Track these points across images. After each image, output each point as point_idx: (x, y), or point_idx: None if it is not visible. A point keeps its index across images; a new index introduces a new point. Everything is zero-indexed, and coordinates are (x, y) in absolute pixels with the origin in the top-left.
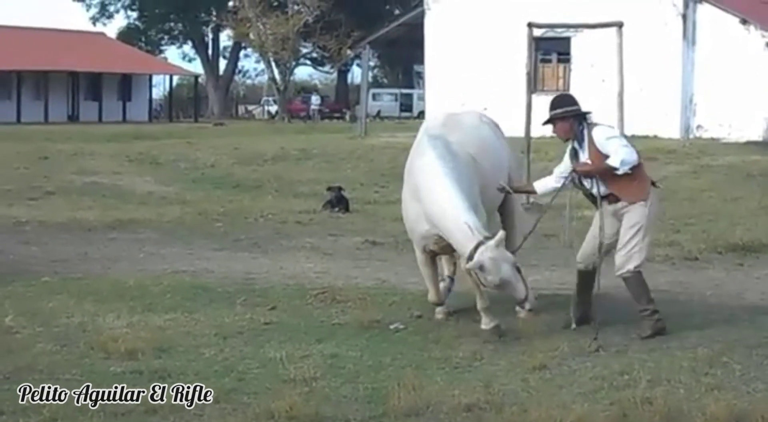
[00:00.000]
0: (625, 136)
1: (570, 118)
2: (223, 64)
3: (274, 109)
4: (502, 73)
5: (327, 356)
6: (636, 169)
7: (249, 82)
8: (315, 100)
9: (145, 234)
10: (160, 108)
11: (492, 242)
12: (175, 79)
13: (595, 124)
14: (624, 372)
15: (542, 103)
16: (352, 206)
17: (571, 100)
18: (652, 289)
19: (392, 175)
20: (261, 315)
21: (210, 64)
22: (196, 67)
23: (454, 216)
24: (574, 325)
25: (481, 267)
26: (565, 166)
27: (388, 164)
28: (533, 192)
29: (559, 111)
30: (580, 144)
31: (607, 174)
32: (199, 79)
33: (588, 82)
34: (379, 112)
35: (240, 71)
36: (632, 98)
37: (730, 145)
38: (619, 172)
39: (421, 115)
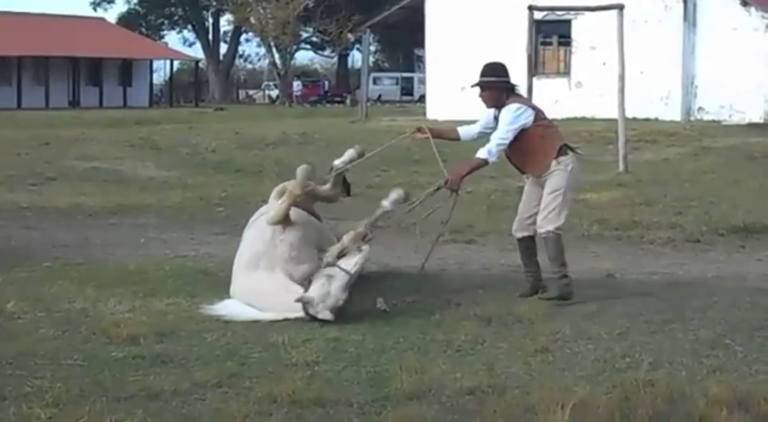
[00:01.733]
0: (523, 113)
1: (500, 88)
2: (223, 48)
3: (275, 93)
4: (503, 57)
5: (329, 340)
6: (538, 143)
7: (250, 66)
8: (296, 85)
9: (146, 219)
10: (161, 93)
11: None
12: (176, 64)
13: (516, 98)
14: (626, 354)
15: (543, 86)
16: (354, 190)
17: (504, 71)
18: (654, 271)
19: (393, 159)
20: None
21: (210, 48)
22: (197, 51)
23: None
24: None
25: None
26: (487, 119)
27: (389, 148)
28: (456, 138)
29: (492, 79)
30: (498, 114)
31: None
32: (200, 64)
33: (589, 64)
34: (379, 96)
35: (241, 56)
36: (633, 81)
37: (732, 127)
38: (490, 162)
39: (422, 98)
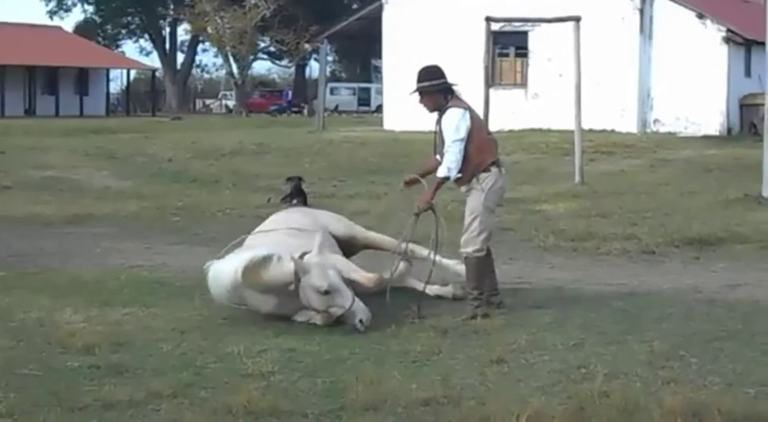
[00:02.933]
0: (466, 116)
1: (439, 91)
2: (180, 58)
3: (231, 103)
4: (460, 67)
5: (285, 350)
6: (469, 154)
7: (207, 76)
8: (229, 95)
9: (102, 228)
10: (118, 102)
11: (314, 251)
12: (133, 73)
13: (454, 102)
14: (581, 365)
15: (500, 98)
16: (311, 200)
17: (438, 73)
18: (610, 283)
19: (350, 169)
20: (219, 310)
21: (167, 58)
22: (154, 61)
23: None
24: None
25: (308, 274)
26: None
27: (346, 158)
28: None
29: (425, 84)
30: (440, 119)
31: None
32: (157, 73)
33: (546, 76)
34: (337, 106)
35: (198, 65)
36: (590, 92)
37: (687, 139)
38: (452, 178)
39: (379, 109)
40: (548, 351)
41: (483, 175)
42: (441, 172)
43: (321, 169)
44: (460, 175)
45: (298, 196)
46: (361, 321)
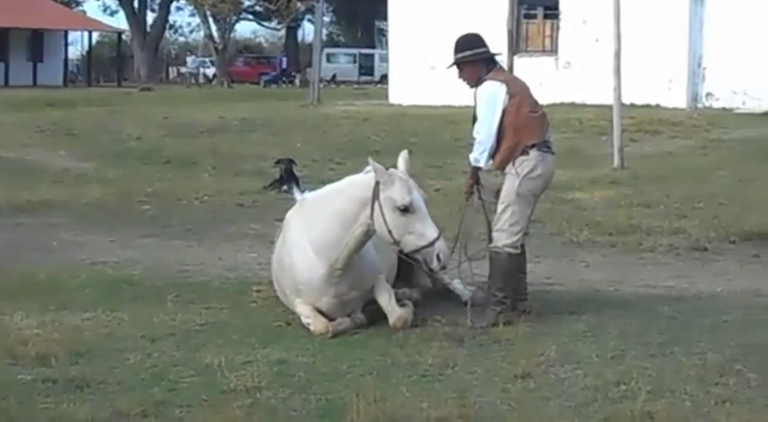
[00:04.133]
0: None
1: (479, 61)
2: (151, 18)
3: (211, 71)
4: (480, 31)
5: (273, 362)
6: (503, 133)
7: (182, 39)
8: (190, 61)
9: (59, 218)
10: (78, 70)
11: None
12: (95, 35)
13: (494, 73)
14: (621, 381)
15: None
16: (303, 185)
17: (480, 41)
18: (654, 285)
19: (350, 149)
20: (196, 315)
21: (136, 18)
22: (120, 21)
23: None
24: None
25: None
26: None
27: (345, 137)
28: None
29: (467, 53)
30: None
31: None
32: (123, 36)
33: (580, 41)
34: (334, 76)
35: (171, 27)
36: (631, 61)
37: (745, 116)
38: (483, 166)
39: (384, 79)
40: (582, 364)
41: (520, 159)
42: (471, 159)
43: (315, 150)
44: (491, 162)
45: (288, 181)
46: (438, 257)
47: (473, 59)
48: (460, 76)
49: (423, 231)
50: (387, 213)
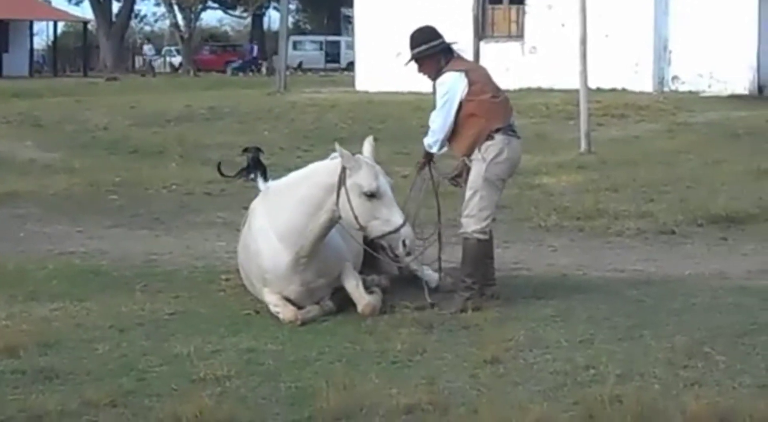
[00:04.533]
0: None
1: (436, 54)
2: (116, 7)
3: (177, 60)
4: (445, 17)
5: (242, 351)
6: (465, 121)
7: (147, 28)
8: (147, 49)
9: (26, 209)
10: (43, 60)
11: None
12: (60, 25)
13: (453, 64)
14: (590, 365)
15: (492, 52)
16: (271, 174)
17: (433, 34)
18: (622, 269)
19: (317, 137)
20: (164, 304)
21: (101, 7)
22: (85, 11)
23: None
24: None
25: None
26: None
27: (312, 125)
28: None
29: (422, 48)
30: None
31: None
32: (89, 26)
33: (545, 26)
34: (300, 63)
35: (137, 16)
36: (597, 45)
37: (711, 99)
38: (436, 152)
39: (350, 66)
40: (550, 349)
41: (486, 144)
42: (425, 144)
43: (283, 137)
44: (445, 149)
45: (256, 169)
46: (404, 243)
47: (430, 53)
48: (420, 70)
49: (389, 217)
50: (353, 198)
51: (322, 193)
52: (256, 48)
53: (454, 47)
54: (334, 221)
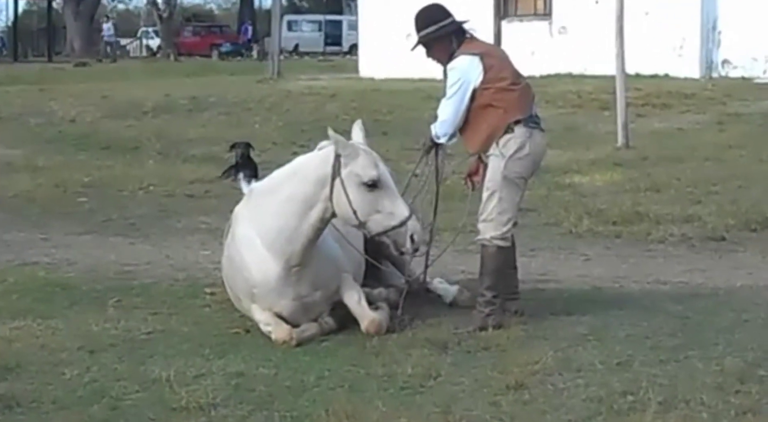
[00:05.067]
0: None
1: (447, 35)
2: None
3: (155, 43)
4: None
5: (230, 375)
6: (479, 112)
7: (121, 6)
8: (106, 29)
9: None
10: (2, 43)
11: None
12: (21, 4)
13: (466, 46)
14: (628, 391)
15: (516, 33)
16: (262, 172)
17: (440, 13)
18: (665, 280)
19: (315, 129)
20: (141, 322)
21: None
22: None
23: None
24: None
25: (355, 160)
26: None
27: (309, 116)
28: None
29: (429, 30)
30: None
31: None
32: (54, 4)
33: (576, 3)
34: (296, 46)
35: None
36: (635, 24)
37: (767, 87)
38: (444, 142)
39: (353, 49)
40: (583, 372)
41: (505, 137)
42: (432, 133)
43: (276, 131)
44: (455, 140)
45: (245, 167)
46: (412, 238)
47: (439, 35)
48: (429, 55)
49: (392, 210)
50: (350, 190)
51: (313, 187)
52: (250, 29)
53: (467, 27)
54: (325, 220)
